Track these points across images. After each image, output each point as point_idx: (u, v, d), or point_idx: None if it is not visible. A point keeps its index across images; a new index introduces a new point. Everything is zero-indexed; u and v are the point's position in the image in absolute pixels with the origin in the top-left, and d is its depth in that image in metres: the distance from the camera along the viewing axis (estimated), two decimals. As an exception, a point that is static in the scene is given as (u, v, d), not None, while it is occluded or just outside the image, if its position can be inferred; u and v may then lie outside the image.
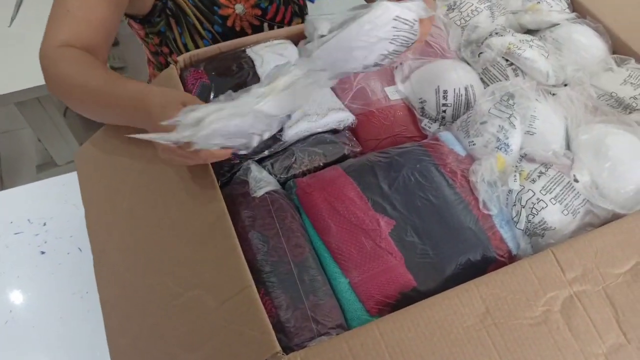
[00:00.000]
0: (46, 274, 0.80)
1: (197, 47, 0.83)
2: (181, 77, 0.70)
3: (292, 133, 0.65)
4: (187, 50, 0.83)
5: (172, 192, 0.62)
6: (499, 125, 0.64)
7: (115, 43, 2.03)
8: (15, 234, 0.84)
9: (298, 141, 0.66)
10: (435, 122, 0.71)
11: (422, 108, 0.72)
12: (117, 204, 0.68)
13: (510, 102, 0.66)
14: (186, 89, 0.68)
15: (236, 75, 0.70)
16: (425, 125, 0.71)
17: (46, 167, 1.93)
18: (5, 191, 0.90)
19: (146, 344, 0.58)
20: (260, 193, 0.61)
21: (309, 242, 0.59)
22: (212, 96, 0.68)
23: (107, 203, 0.70)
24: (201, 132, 0.49)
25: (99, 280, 0.66)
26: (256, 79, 0.70)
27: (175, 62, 0.71)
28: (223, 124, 0.49)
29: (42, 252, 0.82)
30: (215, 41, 0.82)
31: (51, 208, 0.87)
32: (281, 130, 0.65)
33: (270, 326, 0.49)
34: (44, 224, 0.85)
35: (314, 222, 0.60)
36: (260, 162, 0.64)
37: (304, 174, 0.65)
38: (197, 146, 0.49)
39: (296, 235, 0.58)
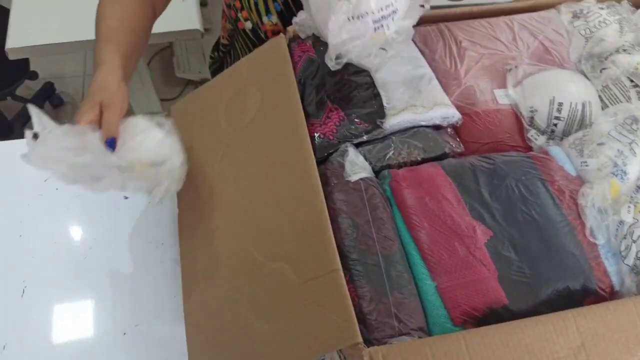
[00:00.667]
0: (127, 218, 0.82)
1: (267, 7, 0.81)
2: (289, 47, 0.69)
3: (393, 122, 0.63)
4: (257, 9, 0.81)
5: (266, 162, 0.62)
6: (618, 150, 0.60)
7: (204, 4, 2.06)
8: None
9: (398, 131, 0.64)
10: (543, 134, 0.67)
11: (532, 117, 0.68)
12: (207, 164, 0.69)
13: (634, 127, 0.61)
14: (292, 61, 0.67)
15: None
16: (531, 136, 0.67)
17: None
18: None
19: (220, 305, 0.58)
20: (354, 178, 0.59)
21: (398, 237, 0.57)
22: (318, 71, 0.66)
23: (198, 162, 0.71)
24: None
25: (182, 233, 0.67)
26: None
27: (285, 32, 0.70)
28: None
29: (126, 197, 0.84)
30: (286, 5, 0.81)
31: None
32: (383, 116, 0.64)
33: (354, 315, 0.48)
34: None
35: (406, 217, 0.58)
36: (357, 146, 0.63)
37: (399, 165, 0.63)
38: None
39: (387, 228, 0.56)
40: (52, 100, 2.04)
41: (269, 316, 0.53)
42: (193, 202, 0.68)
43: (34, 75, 1.76)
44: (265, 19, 0.82)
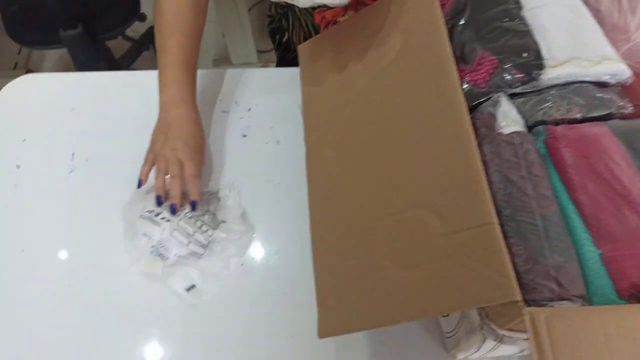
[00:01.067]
0: (245, 156, 0.83)
1: None
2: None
3: (553, 75, 0.57)
4: None
5: (409, 106, 0.58)
6: None
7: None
8: (223, 111, 0.87)
9: (557, 85, 0.58)
10: None
11: None
12: (339, 106, 0.67)
13: None
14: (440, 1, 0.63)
15: (496, 0, 0.63)
16: None
17: (221, 63, 2.03)
18: (216, 70, 0.94)
19: (352, 247, 0.57)
20: (507, 130, 0.55)
21: (556, 197, 0.52)
22: (467, 15, 0.62)
23: (328, 104, 0.69)
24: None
25: (310, 172, 0.66)
26: (517, 7, 0.62)
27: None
28: None
29: (244, 135, 0.85)
30: None
31: (255, 97, 0.89)
32: (541, 68, 0.58)
33: (512, 271, 0.45)
34: (249, 109, 0.88)
35: (565, 177, 0.53)
36: (510, 97, 0.58)
37: (556, 122, 0.57)
38: None
39: (544, 186, 0.52)
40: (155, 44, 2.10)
41: (409, 262, 0.51)
42: (321, 143, 0.67)
43: (143, 17, 1.81)
44: None
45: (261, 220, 0.77)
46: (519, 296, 0.44)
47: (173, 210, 0.70)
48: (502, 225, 0.50)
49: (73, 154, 0.82)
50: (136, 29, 2.04)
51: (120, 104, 0.88)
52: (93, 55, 1.58)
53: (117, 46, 1.91)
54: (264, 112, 0.87)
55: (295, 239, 0.75)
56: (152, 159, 0.73)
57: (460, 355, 0.67)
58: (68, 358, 0.66)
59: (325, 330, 0.55)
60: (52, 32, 1.51)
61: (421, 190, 0.53)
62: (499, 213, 0.51)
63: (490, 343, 0.57)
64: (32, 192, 0.78)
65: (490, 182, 0.52)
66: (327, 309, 0.56)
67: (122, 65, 1.93)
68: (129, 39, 1.87)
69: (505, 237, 0.50)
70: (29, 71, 1.96)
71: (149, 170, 0.73)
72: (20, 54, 2.04)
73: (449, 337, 0.67)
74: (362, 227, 0.57)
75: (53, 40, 1.54)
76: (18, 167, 0.81)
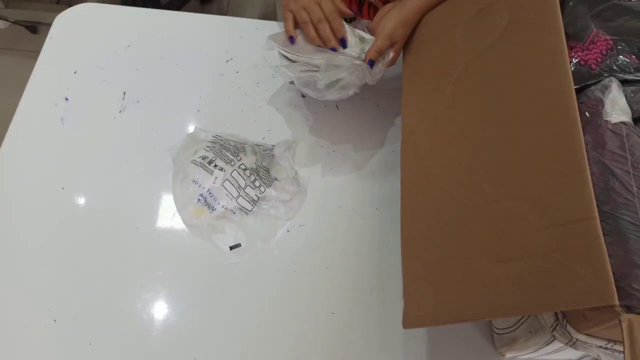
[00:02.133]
0: (302, 117, 0.79)
1: None
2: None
3: (672, 64, 0.52)
4: None
5: (511, 88, 0.53)
6: None
7: None
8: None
9: (674, 77, 0.53)
10: None
11: None
12: (439, 88, 0.62)
13: None
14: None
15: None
16: None
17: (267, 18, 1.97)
18: (276, 22, 0.89)
19: (441, 238, 0.53)
20: (614, 120, 0.50)
21: (660, 198, 0.47)
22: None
23: (428, 85, 0.64)
24: None
25: (404, 160, 0.62)
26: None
27: None
28: None
29: (303, 96, 0.80)
30: None
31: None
32: (658, 55, 0.52)
33: (611, 273, 0.40)
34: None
35: (670, 177, 0.48)
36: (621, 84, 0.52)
37: (666, 118, 0.52)
38: None
39: (649, 185, 0.47)
40: (201, -6, 2.05)
41: (501, 257, 0.47)
42: (418, 129, 0.62)
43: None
44: None
45: (311, 187, 0.73)
46: (616, 300, 0.39)
47: (344, 45, 0.70)
48: (599, 222, 0.45)
49: (124, 92, 0.79)
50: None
51: (176, 45, 0.84)
52: (141, -2, 1.54)
53: (164, -8, 1.86)
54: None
55: (345, 210, 0.71)
56: (291, 14, 0.71)
57: (510, 354, 0.63)
58: (98, 300, 0.64)
59: (410, 321, 0.52)
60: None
61: (517, 181, 0.49)
62: (597, 208, 0.46)
63: (555, 345, 0.53)
64: (79, 128, 0.75)
65: (590, 174, 0.48)
66: (413, 299, 0.53)
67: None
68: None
69: (602, 235, 0.45)
70: (71, 6, 1.92)
71: (294, 23, 0.71)
72: (65, -11, 2.00)
73: (502, 334, 0.63)
74: (454, 217, 0.53)
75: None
76: (67, 99, 0.77)
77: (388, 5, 0.71)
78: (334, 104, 0.80)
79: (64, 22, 0.85)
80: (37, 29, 1.90)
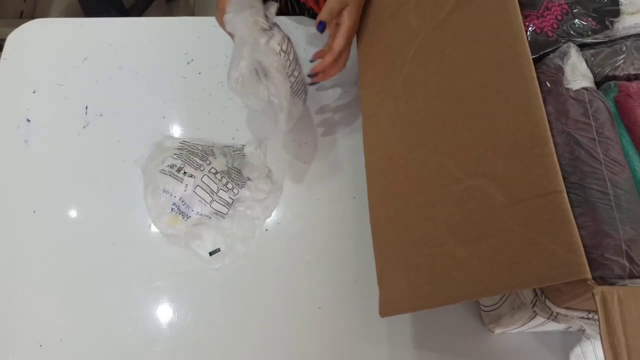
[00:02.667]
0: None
1: None
2: None
3: (630, 23, 0.51)
4: None
5: (468, 62, 0.52)
6: None
7: None
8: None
9: (633, 35, 0.51)
10: None
11: None
12: (395, 67, 0.60)
13: None
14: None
15: None
16: None
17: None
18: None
19: (410, 221, 0.52)
20: (576, 86, 0.48)
21: (627, 163, 0.47)
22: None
23: (384, 65, 0.63)
24: None
25: (366, 145, 0.61)
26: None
27: None
28: None
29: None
30: None
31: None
32: (616, 14, 0.51)
33: (582, 246, 0.40)
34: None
35: (637, 139, 0.48)
36: (580, 48, 0.51)
37: (628, 78, 0.51)
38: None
39: (615, 150, 0.46)
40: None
41: (469, 237, 0.46)
42: (378, 111, 0.61)
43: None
44: None
45: (286, 182, 0.72)
46: (588, 273, 0.39)
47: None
48: (568, 194, 0.45)
49: (86, 107, 0.77)
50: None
51: (134, 53, 0.82)
52: (103, 3, 1.50)
53: (127, -6, 1.82)
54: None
55: (322, 202, 0.71)
56: None
57: (499, 330, 0.63)
58: (83, 321, 0.63)
59: (386, 309, 0.51)
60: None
61: (480, 158, 0.48)
62: (564, 180, 0.45)
63: (539, 320, 0.53)
64: (44, 148, 0.74)
65: (554, 145, 0.46)
66: (388, 287, 0.53)
67: (132, 15, 1.84)
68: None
69: (571, 206, 0.44)
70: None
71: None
72: (26, 2, 1.96)
73: (488, 312, 0.63)
74: (420, 200, 0.52)
75: (61, -15, 1.46)
76: (28, 120, 0.76)
77: None
78: (301, 95, 0.78)
79: (16, 41, 0.83)
80: (1, 46, 1.86)
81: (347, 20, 0.62)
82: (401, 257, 0.52)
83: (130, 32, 0.84)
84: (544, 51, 0.51)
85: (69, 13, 1.99)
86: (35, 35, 0.84)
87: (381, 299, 0.52)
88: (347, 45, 0.63)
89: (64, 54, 0.82)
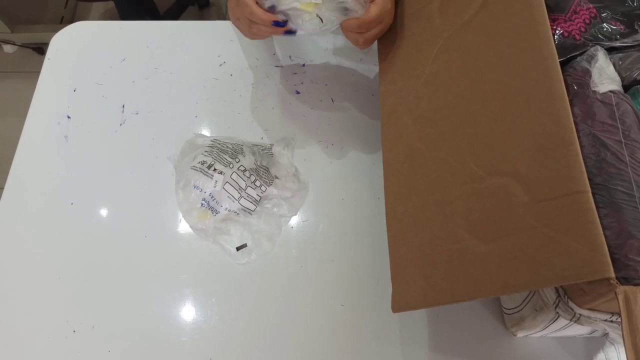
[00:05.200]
0: (297, 114, 0.79)
1: None
2: None
3: (660, 27, 0.51)
4: None
5: (492, 62, 0.53)
6: None
7: None
8: (276, 66, 0.83)
9: (664, 39, 0.52)
10: None
11: None
12: (417, 66, 0.62)
13: None
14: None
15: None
16: None
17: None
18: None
19: (428, 218, 0.53)
20: (603, 89, 0.49)
21: (654, 165, 0.47)
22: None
23: (406, 64, 0.64)
24: None
25: (385, 141, 0.62)
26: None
27: None
28: None
29: (297, 92, 0.81)
30: None
31: (310, 52, 0.85)
32: (643, 19, 0.51)
33: (605, 245, 0.40)
34: (303, 65, 0.83)
35: (664, 143, 0.47)
36: (608, 52, 0.52)
37: (656, 83, 0.51)
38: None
39: (642, 152, 0.46)
40: (199, 0, 2.06)
41: (488, 235, 0.47)
42: (398, 108, 0.62)
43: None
44: None
45: (312, 182, 0.74)
46: (612, 272, 0.39)
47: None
48: (592, 194, 0.45)
49: (123, 105, 0.81)
50: (181, -16, 1.99)
51: (169, 55, 0.85)
52: (139, 9, 1.56)
53: (162, 1, 1.88)
54: (318, 69, 0.83)
55: (347, 202, 0.72)
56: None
57: (521, 334, 0.63)
58: (114, 309, 0.66)
59: (399, 304, 0.52)
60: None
61: (503, 157, 0.48)
62: (590, 180, 0.45)
63: (562, 322, 0.53)
64: (83, 144, 0.77)
65: (580, 146, 0.47)
66: (402, 282, 0.53)
67: (165, 19, 1.90)
68: (173, -7, 1.83)
69: (596, 207, 0.44)
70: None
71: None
72: (66, 8, 2.04)
73: (511, 314, 0.63)
74: (439, 197, 0.53)
75: (100, -9, 1.52)
76: (69, 117, 0.79)
77: None
78: (329, 97, 0.80)
79: (59, 42, 0.87)
80: (43, 50, 1.94)
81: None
82: (417, 253, 0.53)
83: (166, 35, 0.88)
84: (571, 54, 0.51)
85: (106, 18, 2.07)
86: (77, 37, 0.88)
87: (394, 294, 0.53)
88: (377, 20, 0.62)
89: (103, 55, 0.86)
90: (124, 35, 0.88)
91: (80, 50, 0.87)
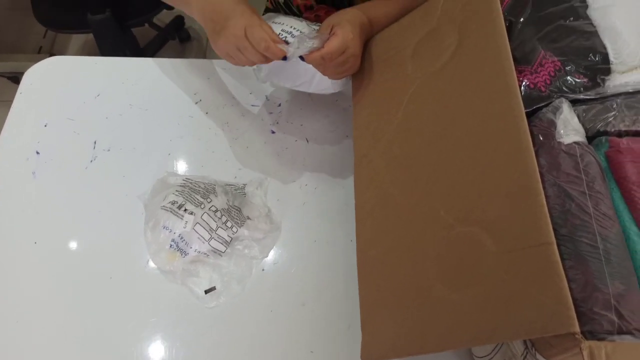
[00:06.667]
0: (273, 153, 0.79)
1: None
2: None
3: (621, 81, 0.52)
4: None
5: (462, 111, 0.54)
6: None
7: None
8: (252, 105, 0.84)
9: (624, 93, 0.53)
10: None
11: None
12: (390, 111, 0.63)
13: None
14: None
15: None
16: None
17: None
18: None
19: (398, 263, 0.53)
20: (567, 140, 0.50)
21: (617, 217, 0.47)
22: (527, 10, 0.57)
23: (378, 108, 0.65)
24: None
25: (357, 184, 0.62)
26: (584, 6, 0.57)
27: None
28: None
29: (273, 132, 0.81)
30: None
31: (286, 91, 0.85)
32: (607, 73, 0.53)
33: (571, 299, 0.40)
34: (279, 105, 0.84)
35: (627, 195, 0.48)
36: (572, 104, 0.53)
37: (619, 134, 0.53)
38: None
39: (605, 204, 0.47)
40: (180, 34, 2.08)
41: (457, 284, 0.47)
42: (370, 152, 0.63)
43: (170, 7, 1.78)
44: None
45: (285, 223, 0.73)
46: (577, 327, 0.39)
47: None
48: (557, 245, 0.45)
49: (95, 142, 0.79)
50: (162, 18, 2.01)
51: (145, 91, 0.85)
52: (119, 42, 1.56)
53: (143, 34, 1.88)
54: (294, 109, 0.83)
55: (320, 244, 0.71)
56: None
57: (493, 380, 0.62)
58: (78, 352, 0.63)
59: (369, 354, 0.51)
60: (80, 15, 1.49)
61: (472, 206, 0.49)
62: (554, 232, 0.46)
63: (532, 372, 0.53)
64: (51, 181, 0.76)
65: (546, 197, 0.48)
66: (372, 330, 0.52)
67: (147, 54, 1.90)
68: (155, 26, 1.84)
69: (561, 259, 0.45)
70: (52, 55, 1.95)
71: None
72: (45, 38, 2.03)
73: (483, 361, 0.62)
74: (410, 242, 0.53)
75: (80, 24, 1.52)
76: (38, 153, 0.78)
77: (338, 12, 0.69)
78: (304, 137, 0.81)
79: (32, 76, 0.86)
80: (19, 79, 1.92)
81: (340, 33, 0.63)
82: (388, 299, 0.52)
83: (143, 71, 0.87)
84: (537, 105, 0.52)
85: (86, 50, 2.06)
86: (51, 71, 0.87)
87: (363, 343, 0.52)
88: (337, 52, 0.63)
89: (78, 90, 0.85)
90: (100, 70, 0.87)
91: (54, 84, 0.86)
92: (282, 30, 0.65)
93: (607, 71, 0.53)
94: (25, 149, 0.78)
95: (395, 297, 0.52)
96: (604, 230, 0.45)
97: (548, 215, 0.44)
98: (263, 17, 0.65)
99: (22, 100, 0.83)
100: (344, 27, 0.64)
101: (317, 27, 0.68)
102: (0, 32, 2.02)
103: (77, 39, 2.09)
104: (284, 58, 0.61)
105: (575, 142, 0.50)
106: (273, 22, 0.66)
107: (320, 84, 0.71)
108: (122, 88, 0.85)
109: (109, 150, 0.79)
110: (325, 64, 0.64)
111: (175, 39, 2.01)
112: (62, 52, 2.03)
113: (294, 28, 0.65)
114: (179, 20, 2.06)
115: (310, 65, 0.64)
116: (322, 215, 0.74)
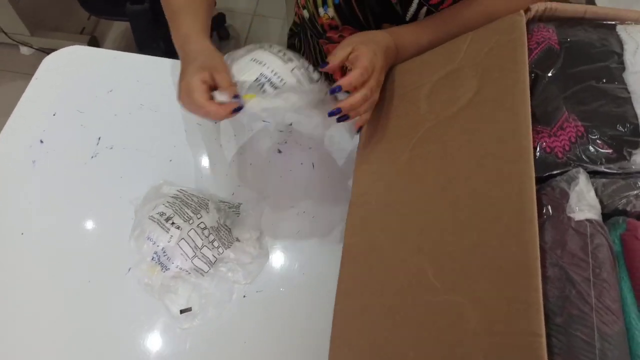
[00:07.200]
0: (275, 174, 0.76)
1: None
2: (527, 29, 0.55)
3: (650, 158, 0.47)
4: None
5: (469, 166, 0.50)
6: None
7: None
8: (263, 121, 0.81)
9: (652, 171, 0.48)
10: None
11: None
12: (396, 151, 0.59)
13: None
14: (529, 45, 0.53)
15: (595, 55, 0.53)
16: None
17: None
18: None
19: (376, 322, 0.49)
20: (579, 216, 0.45)
21: (623, 313, 0.42)
22: (557, 64, 0.52)
23: (385, 145, 0.62)
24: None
25: (349, 223, 0.59)
26: (620, 68, 0.52)
27: (526, 10, 0.56)
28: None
29: (279, 151, 0.78)
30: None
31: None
32: (636, 146, 0.48)
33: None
34: (290, 124, 0.81)
35: (638, 286, 0.43)
36: (590, 176, 0.48)
37: (639, 216, 0.47)
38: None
39: (611, 296, 0.42)
40: (220, 31, 2.09)
41: (433, 357, 0.42)
42: (368, 191, 0.59)
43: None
44: (321, 10, 0.74)
45: (275, 250, 0.70)
46: None
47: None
48: (548, 336, 0.41)
49: (99, 138, 0.78)
50: (205, 14, 2.02)
51: (158, 92, 0.83)
52: (154, 34, 1.56)
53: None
54: (305, 130, 0.80)
55: (308, 278, 0.68)
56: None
57: None
58: (48, 350, 0.61)
59: None
60: (120, 3, 1.51)
61: (461, 272, 0.45)
62: (548, 319, 0.41)
63: None
64: (49, 172, 0.75)
65: (544, 277, 0.43)
66: None
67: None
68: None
69: (550, 352, 0.40)
70: (93, 38, 1.98)
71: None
72: (89, 20, 2.07)
73: None
74: (391, 301, 0.49)
75: (119, 12, 1.54)
76: (42, 142, 0.77)
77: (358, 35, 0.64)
78: (310, 162, 0.77)
79: (51, 63, 0.86)
80: (58, 57, 1.96)
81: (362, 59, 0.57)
82: (360, 357, 0.48)
83: (159, 71, 0.86)
84: (550, 172, 0.48)
85: (124, 38, 2.09)
86: (69, 61, 0.87)
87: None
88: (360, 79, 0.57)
89: (92, 83, 0.84)
90: (117, 65, 0.87)
91: (70, 74, 0.85)
92: (262, 74, 0.57)
93: (636, 145, 0.47)
94: (30, 135, 0.78)
95: (367, 356, 0.48)
96: (604, 327, 0.40)
97: (542, 301, 0.39)
98: (254, 48, 0.60)
99: (35, 87, 0.83)
100: (368, 45, 0.59)
101: (302, 76, 0.59)
102: (46, 10, 2.07)
103: (119, 25, 2.12)
104: (239, 108, 0.55)
105: (587, 220, 0.45)
106: (255, 60, 0.58)
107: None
108: (136, 86, 0.84)
109: (111, 148, 0.77)
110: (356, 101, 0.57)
111: (212, 37, 2.02)
112: (103, 36, 2.06)
113: (275, 73, 0.57)
114: (221, 17, 2.06)
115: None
116: (314, 247, 0.70)
